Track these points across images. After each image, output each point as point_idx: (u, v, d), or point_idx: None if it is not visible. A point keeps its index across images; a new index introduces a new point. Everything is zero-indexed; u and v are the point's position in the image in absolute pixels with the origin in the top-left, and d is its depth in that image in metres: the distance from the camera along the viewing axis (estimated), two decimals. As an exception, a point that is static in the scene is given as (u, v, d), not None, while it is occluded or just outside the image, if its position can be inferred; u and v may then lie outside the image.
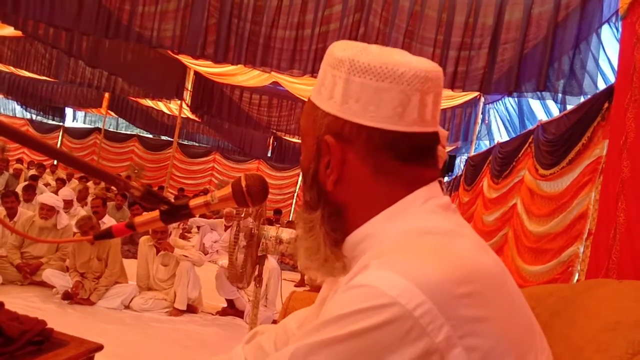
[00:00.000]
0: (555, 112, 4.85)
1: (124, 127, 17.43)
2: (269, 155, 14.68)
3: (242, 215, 2.70)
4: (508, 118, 7.06)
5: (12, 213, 5.15)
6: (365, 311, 0.54)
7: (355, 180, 0.69)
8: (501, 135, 6.94)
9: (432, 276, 0.54)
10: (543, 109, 5.53)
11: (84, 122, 17.97)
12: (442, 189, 0.71)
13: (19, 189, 6.66)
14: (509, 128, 6.96)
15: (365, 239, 0.68)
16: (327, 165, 0.70)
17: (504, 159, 5.22)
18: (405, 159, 0.68)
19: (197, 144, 16.70)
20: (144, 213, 0.87)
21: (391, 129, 0.66)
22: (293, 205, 15.06)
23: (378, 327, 0.53)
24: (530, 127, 5.19)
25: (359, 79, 0.66)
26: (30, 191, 6.71)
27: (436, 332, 0.53)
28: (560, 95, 4.44)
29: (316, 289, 5.63)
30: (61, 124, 17.77)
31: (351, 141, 0.68)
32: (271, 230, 2.90)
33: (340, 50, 0.69)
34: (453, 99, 7.09)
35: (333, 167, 0.69)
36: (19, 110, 17.69)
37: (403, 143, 0.67)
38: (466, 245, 0.63)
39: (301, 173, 0.77)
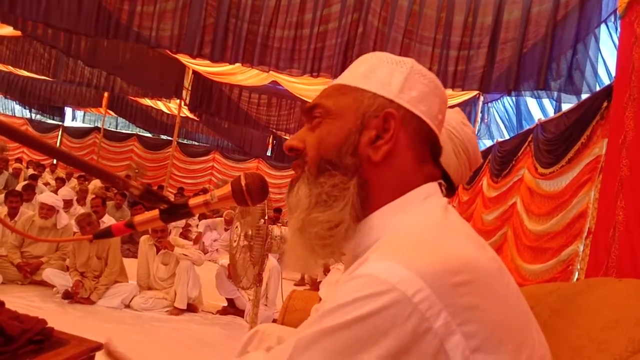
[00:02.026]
0: (552, 112, 4.84)
1: (124, 127, 17.41)
2: (269, 154, 14.68)
3: (245, 215, 2.70)
4: (507, 117, 7.05)
5: (13, 212, 5.16)
6: (365, 298, 0.55)
7: (399, 159, 0.72)
8: (501, 134, 6.93)
9: (430, 265, 0.56)
10: (540, 109, 5.52)
11: (83, 122, 17.97)
12: (442, 191, 0.74)
13: (18, 189, 6.65)
14: (509, 127, 6.95)
15: (371, 230, 0.70)
16: (373, 139, 0.71)
17: (503, 157, 5.21)
18: (435, 158, 0.76)
19: (196, 143, 16.68)
20: (144, 212, 0.87)
21: (434, 129, 0.75)
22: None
23: (378, 312, 0.54)
24: (527, 126, 5.19)
25: (420, 79, 0.75)
26: (30, 191, 6.71)
27: (435, 318, 0.54)
28: (556, 93, 4.44)
29: (316, 287, 5.63)
30: (60, 123, 17.76)
31: (404, 124, 0.72)
32: (275, 230, 2.91)
33: (395, 55, 0.77)
34: (452, 98, 7.08)
35: (389, 139, 0.71)
36: (18, 109, 17.69)
37: (437, 143, 0.76)
38: (462, 241, 0.64)
39: (321, 145, 0.73)
